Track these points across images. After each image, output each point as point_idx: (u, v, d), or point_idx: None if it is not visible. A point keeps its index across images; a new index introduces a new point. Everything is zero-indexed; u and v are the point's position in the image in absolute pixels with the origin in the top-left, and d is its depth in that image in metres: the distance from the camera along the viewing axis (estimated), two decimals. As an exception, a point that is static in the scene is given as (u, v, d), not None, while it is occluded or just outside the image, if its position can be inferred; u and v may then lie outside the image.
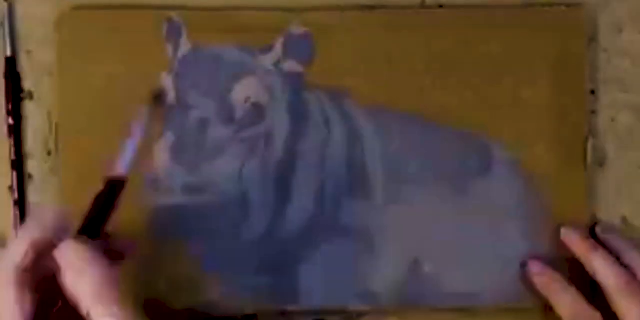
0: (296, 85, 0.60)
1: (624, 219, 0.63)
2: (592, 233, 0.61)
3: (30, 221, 0.50)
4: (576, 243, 0.60)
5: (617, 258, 0.59)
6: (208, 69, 0.60)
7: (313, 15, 0.61)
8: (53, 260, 0.48)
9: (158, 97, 0.58)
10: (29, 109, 0.61)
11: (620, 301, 0.57)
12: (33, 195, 0.61)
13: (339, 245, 0.61)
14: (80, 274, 0.47)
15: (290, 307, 0.61)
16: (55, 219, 0.49)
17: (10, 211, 0.61)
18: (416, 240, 0.61)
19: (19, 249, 0.47)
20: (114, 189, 0.51)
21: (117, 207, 0.51)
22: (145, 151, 0.52)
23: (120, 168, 0.51)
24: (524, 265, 0.61)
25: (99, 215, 0.50)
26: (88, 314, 0.46)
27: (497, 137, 0.61)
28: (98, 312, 0.46)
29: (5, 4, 0.61)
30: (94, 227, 0.50)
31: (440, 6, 0.62)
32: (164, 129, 0.60)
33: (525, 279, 0.61)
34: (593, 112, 0.62)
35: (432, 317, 0.62)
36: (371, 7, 0.62)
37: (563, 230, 0.61)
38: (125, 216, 0.58)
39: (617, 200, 0.63)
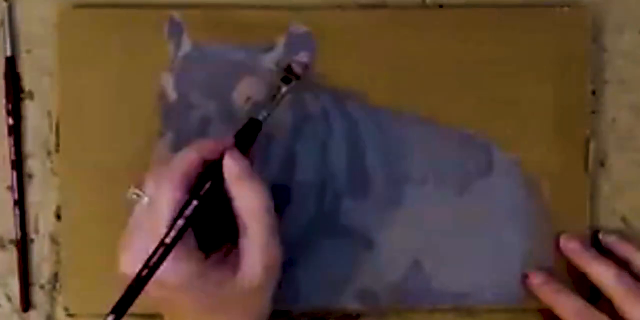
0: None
1: (624, 219, 0.63)
2: (593, 240, 0.62)
3: (207, 139, 0.56)
4: (575, 253, 0.60)
5: (623, 262, 0.59)
6: (209, 68, 0.60)
7: (314, 15, 0.60)
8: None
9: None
10: (29, 109, 0.61)
11: (627, 307, 0.57)
12: (33, 195, 0.61)
13: (339, 245, 0.61)
14: (243, 186, 0.53)
15: (290, 307, 0.61)
16: (226, 143, 0.54)
17: (10, 211, 0.61)
18: (416, 241, 0.61)
19: (190, 158, 0.53)
20: (253, 125, 0.56)
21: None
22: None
23: (260, 116, 0.56)
24: (525, 276, 0.61)
25: (244, 144, 0.55)
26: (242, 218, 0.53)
27: (497, 138, 0.61)
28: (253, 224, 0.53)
29: (5, 4, 0.61)
30: (245, 147, 0.55)
31: (440, 6, 0.62)
32: (164, 128, 0.60)
33: (527, 289, 0.61)
34: (593, 112, 0.62)
35: (431, 317, 0.62)
36: (372, 7, 0.62)
37: (561, 240, 0.61)
38: (123, 215, 0.58)
39: (617, 200, 0.63)
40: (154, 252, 0.51)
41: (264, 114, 0.56)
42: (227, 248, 0.55)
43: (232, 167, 0.53)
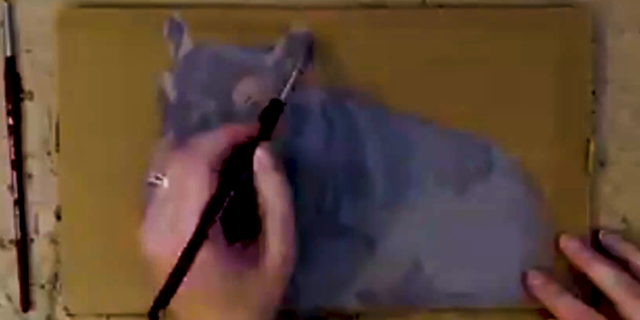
0: (297, 84, 0.60)
1: (624, 219, 0.63)
2: (593, 240, 0.62)
3: (236, 125, 0.57)
4: (575, 253, 0.60)
5: (623, 262, 0.59)
6: (209, 68, 0.60)
7: (314, 15, 0.60)
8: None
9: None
10: (29, 109, 0.61)
11: (628, 308, 0.57)
12: (33, 195, 0.61)
13: (338, 245, 0.61)
14: (272, 180, 0.54)
15: (290, 307, 0.61)
16: (253, 129, 0.56)
17: (10, 211, 0.61)
18: (416, 241, 0.61)
19: (221, 139, 0.54)
20: (276, 105, 0.57)
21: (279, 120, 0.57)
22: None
23: (283, 94, 0.57)
24: (524, 276, 0.61)
25: (268, 125, 0.56)
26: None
27: (497, 138, 0.61)
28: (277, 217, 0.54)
29: (5, 4, 0.61)
30: (266, 135, 0.56)
31: (440, 6, 0.62)
32: (164, 128, 0.60)
33: (527, 289, 0.61)
34: (593, 112, 0.62)
35: (431, 317, 0.62)
36: (372, 7, 0.62)
37: (561, 240, 0.61)
38: (124, 215, 0.58)
39: (617, 200, 0.63)
40: (193, 239, 0.51)
41: (286, 91, 0.57)
42: (246, 241, 0.55)
43: (263, 160, 0.54)
